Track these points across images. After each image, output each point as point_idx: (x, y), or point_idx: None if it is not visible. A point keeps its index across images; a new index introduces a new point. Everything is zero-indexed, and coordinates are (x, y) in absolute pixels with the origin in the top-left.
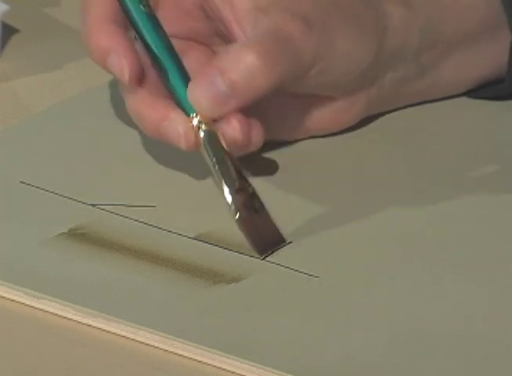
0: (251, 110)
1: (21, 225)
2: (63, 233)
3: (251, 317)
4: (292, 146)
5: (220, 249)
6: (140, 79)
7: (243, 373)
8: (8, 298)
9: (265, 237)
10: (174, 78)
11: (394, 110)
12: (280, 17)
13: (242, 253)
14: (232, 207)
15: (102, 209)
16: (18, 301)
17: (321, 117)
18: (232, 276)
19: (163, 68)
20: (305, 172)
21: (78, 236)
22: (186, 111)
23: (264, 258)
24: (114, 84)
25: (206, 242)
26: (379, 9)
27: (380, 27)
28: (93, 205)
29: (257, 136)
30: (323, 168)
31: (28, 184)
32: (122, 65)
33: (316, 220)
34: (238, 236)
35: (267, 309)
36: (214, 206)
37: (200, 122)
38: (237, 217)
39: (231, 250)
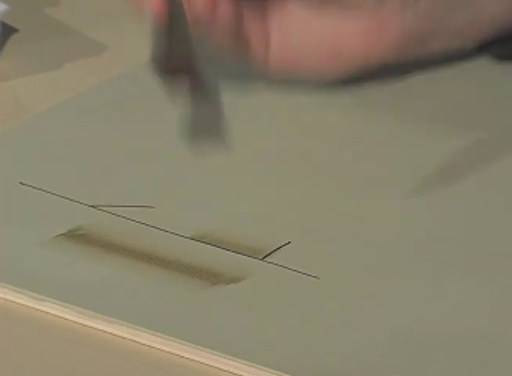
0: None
1: (20, 226)
2: (63, 234)
3: (251, 317)
4: (292, 145)
5: (219, 250)
6: None
7: (243, 373)
8: (7, 299)
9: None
10: None
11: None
12: None
13: (241, 253)
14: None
15: (102, 210)
16: (17, 303)
17: (348, 38)
18: (231, 277)
19: None
20: (305, 172)
21: (78, 237)
22: None
23: (263, 259)
24: (114, 85)
25: (205, 243)
26: None
27: None
28: (92, 206)
29: (224, 14)
30: (323, 167)
31: (27, 185)
32: None
33: (316, 220)
34: (238, 236)
35: (266, 310)
36: (214, 206)
37: None
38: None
39: (230, 250)
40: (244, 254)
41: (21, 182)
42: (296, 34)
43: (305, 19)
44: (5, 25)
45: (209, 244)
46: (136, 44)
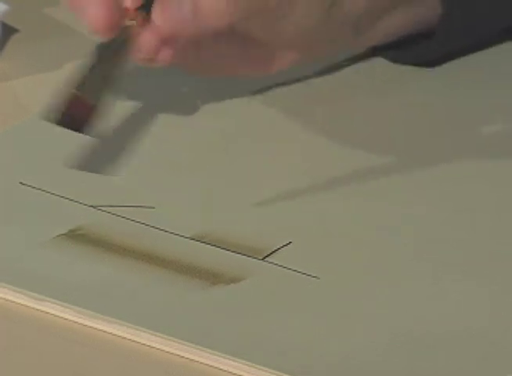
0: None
1: (21, 226)
2: (63, 234)
3: (251, 317)
4: (291, 144)
5: (219, 250)
6: None
7: (243, 373)
8: (7, 299)
9: (71, 117)
10: None
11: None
12: None
13: (241, 253)
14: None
15: (102, 210)
16: (18, 303)
17: (256, 60)
18: (231, 277)
19: None
20: (305, 172)
21: (78, 237)
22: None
23: (263, 259)
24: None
25: (205, 243)
26: None
27: None
28: (92, 206)
29: (164, 59)
30: (323, 167)
31: (28, 185)
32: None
33: (316, 220)
34: (238, 236)
35: (266, 310)
36: (214, 206)
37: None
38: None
39: (230, 250)
40: (244, 254)
41: (21, 182)
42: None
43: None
44: (5, 25)
45: (209, 244)
46: None
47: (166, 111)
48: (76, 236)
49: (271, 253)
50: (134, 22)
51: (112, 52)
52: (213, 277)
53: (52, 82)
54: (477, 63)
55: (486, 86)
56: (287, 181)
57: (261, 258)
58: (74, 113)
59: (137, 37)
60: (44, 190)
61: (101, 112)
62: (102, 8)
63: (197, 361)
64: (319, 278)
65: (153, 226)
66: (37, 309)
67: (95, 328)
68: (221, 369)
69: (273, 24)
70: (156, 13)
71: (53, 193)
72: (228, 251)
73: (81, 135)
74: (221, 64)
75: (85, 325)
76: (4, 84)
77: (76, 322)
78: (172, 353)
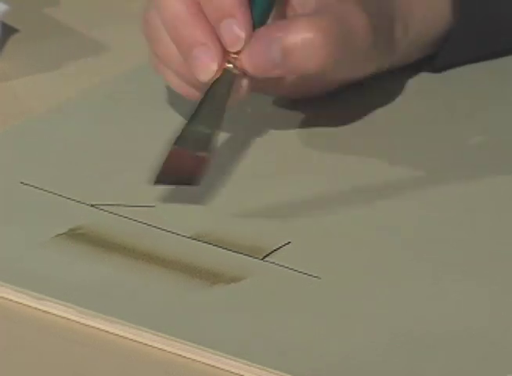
0: None
1: (21, 225)
2: (63, 233)
3: (251, 317)
4: (291, 145)
5: (219, 249)
6: None
7: (243, 373)
8: (7, 299)
9: (176, 171)
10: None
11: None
12: (350, 8)
13: (241, 253)
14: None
15: (102, 209)
16: (18, 302)
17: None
18: (231, 277)
19: None
20: (305, 172)
21: (78, 236)
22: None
23: (263, 258)
24: (114, 85)
25: (205, 242)
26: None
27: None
28: (93, 205)
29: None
30: (323, 167)
31: (28, 185)
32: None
33: (316, 220)
34: (238, 236)
35: (267, 309)
36: (214, 206)
37: (229, 61)
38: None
39: (230, 250)
40: (244, 254)
41: (22, 182)
42: None
43: None
44: (5, 25)
45: (209, 243)
46: (136, 44)
47: (166, 111)
48: (76, 235)
49: (271, 252)
50: (231, 65)
51: (213, 98)
52: (213, 277)
53: (52, 82)
54: (490, 69)
55: (491, 91)
56: (287, 181)
57: (261, 257)
58: (181, 168)
59: (235, 80)
60: (44, 190)
61: (210, 161)
62: (212, 53)
63: (197, 361)
64: (319, 278)
65: (153, 226)
66: (38, 309)
67: (96, 328)
68: (221, 369)
69: (359, 65)
70: (245, 58)
71: (53, 193)
72: (228, 251)
73: (80, 136)
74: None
75: (85, 325)
76: (4, 84)
77: (76, 321)
78: (172, 353)
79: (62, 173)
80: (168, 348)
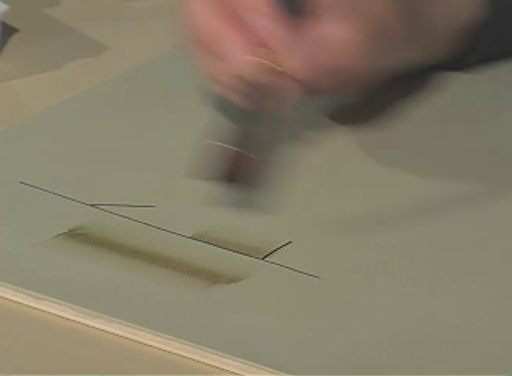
0: None
1: (21, 225)
2: (63, 233)
3: (251, 317)
4: (291, 145)
5: (220, 249)
6: None
7: (243, 373)
8: (7, 299)
9: (230, 172)
10: None
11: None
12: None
13: (241, 253)
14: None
15: (102, 209)
16: (18, 302)
17: None
18: (231, 276)
19: None
20: (306, 172)
21: (78, 236)
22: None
23: (264, 258)
24: (114, 84)
25: (205, 242)
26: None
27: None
28: (93, 205)
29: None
30: (323, 167)
31: (28, 184)
32: None
33: (316, 220)
34: (238, 236)
35: (267, 309)
36: (214, 206)
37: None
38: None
39: (231, 250)
40: (244, 254)
41: (21, 182)
42: None
43: None
44: (5, 25)
45: (209, 243)
46: (136, 44)
47: (166, 111)
48: (76, 235)
49: (271, 252)
50: (273, 64)
51: (262, 100)
52: (213, 277)
53: (52, 82)
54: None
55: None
56: (287, 181)
57: (261, 257)
58: (239, 171)
59: (283, 82)
60: (44, 189)
61: (268, 164)
62: (243, 44)
63: (197, 361)
64: (319, 277)
65: (153, 226)
66: (37, 309)
67: (96, 328)
68: (221, 369)
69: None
70: (292, 63)
71: (53, 193)
72: (228, 251)
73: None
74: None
75: (85, 325)
76: (4, 84)
77: (76, 321)
78: (173, 353)
79: (62, 173)
80: (168, 348)
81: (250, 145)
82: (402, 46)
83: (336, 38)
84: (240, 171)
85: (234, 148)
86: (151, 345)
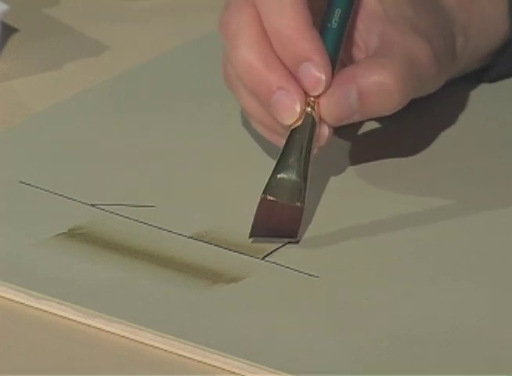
0: None
1: (21, 225)
2: (63, 233)
3: (251, 317)
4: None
5: (220, 249)
6: None
7: (243, 373)
8: (7, 298)
9: (271, 222)
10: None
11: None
12: (412, 39)
13: (242, 253)
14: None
15: (102, 209)
16: (18, 302)
17: None
18: (231, 276)
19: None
20: None
21: (78, 236)
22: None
23: (263, 258)
24: (114, 85)
25: (206, 242)
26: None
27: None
28: (93, 205)
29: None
30: (323, 167)
31: (28, 184)
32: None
33: (316, 220)
34: (238, 236)
35: (267, 309)
36: (215, 206)
37: (308, 104)
38: (262, 196)
39: (231, 250)
40: (244, 254)
41: (21, 181)
42: None
43: None
44: (5, 25)
45: (209, 243)
46: (136, 44)
47: (166, 111)
48: (76, 235)
49: (271, 252)
50: (311, 109)
51: (297, 144)
52: (213, 276)
53: (52, 82)
54: None
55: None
56: None
57: (261, 257)
58: (276, 220)
59: (316, 127)
60: (44, 189)
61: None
62: (293, 95)
63: (198, 361)
64: (319, 277)
65: (153, 226)
66: (37, 308)
67: (96, 328)
68: (221, 368)
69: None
70: (324, 108)
71: (53, 192)
72: (228, 251)
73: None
74: None
75: (85, 324)
76: (4, 84)
77: (76, 321)
78: (173, 353)
79: (62, 172)
80: (168, 348)
81: (291, 194)
82: (434, 81)
83: (369, 85)
84: (283, 221)
85: (273, 197)
86: (151, 345)
